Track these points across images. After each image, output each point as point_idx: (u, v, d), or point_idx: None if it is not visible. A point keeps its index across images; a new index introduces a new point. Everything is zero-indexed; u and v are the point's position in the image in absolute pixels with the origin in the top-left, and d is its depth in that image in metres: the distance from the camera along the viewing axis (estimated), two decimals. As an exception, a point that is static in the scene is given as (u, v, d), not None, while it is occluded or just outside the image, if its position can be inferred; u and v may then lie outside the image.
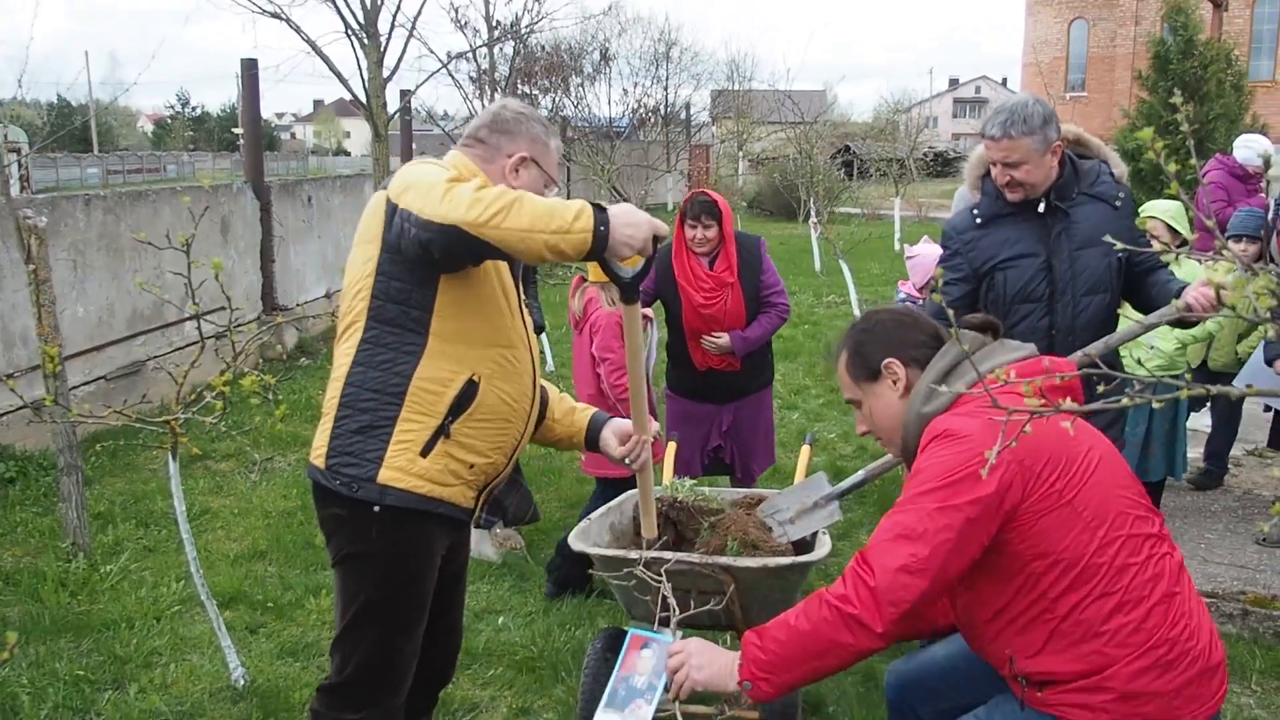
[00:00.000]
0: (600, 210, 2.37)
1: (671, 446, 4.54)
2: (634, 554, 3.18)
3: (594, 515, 3.66)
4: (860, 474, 3.48)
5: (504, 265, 2.69)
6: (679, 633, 2.73)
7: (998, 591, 2.35)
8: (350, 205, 12.44)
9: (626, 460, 2.98)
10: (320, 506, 2.69)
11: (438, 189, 2.36)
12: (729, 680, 2.46)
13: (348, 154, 77.22)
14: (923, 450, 2.37)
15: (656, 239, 2.47)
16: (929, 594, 2.27)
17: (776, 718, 3.25)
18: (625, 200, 10.36)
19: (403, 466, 2.57)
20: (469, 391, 2.60)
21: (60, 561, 5.19)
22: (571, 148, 16.31)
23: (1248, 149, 7.52)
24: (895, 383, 2.58)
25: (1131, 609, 2.26)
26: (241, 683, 4.01)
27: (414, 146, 16.68)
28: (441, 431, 2.58)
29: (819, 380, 9.18)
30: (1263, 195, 7.73)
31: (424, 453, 2.57)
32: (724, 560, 3.10)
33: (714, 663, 2.49)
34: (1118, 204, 3.78)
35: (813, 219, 16.97)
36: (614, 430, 3.01)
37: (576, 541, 3.38)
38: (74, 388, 7.01)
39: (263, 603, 4.80)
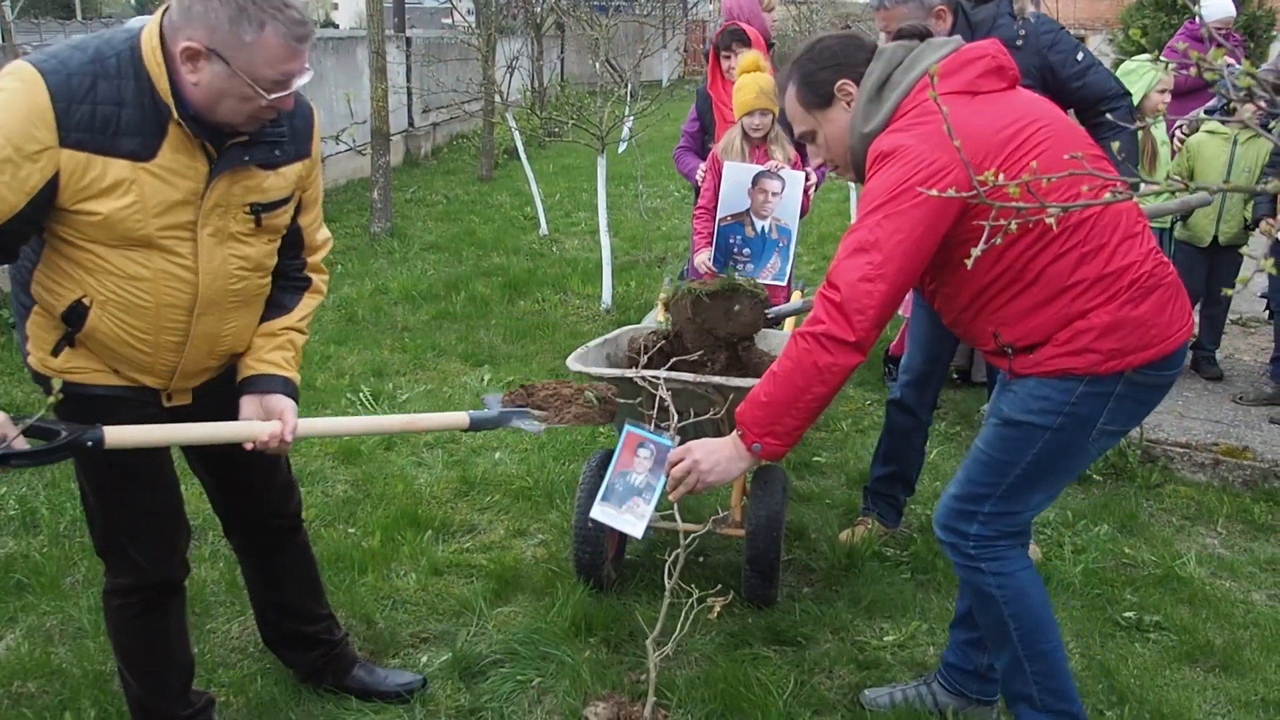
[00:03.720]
0: None
1: (664, 293, 4.64)
2: (630, 372, 3.29)
3: (591, 344, 3.76)
4: (800, 301, 3.55)
5: (178, 189, 2.27)
6: (676, 438, 2.82)
7: (967, 279, 2.49)
8: (342, 68, 12.28)
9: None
10: None
11: None
12: (738, 464, 2.58)
13: (335, 26, 75.14)
14: (869, 175, 2.49)
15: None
16: (890, 296, 2.42)
17: (762, 532, 3.40)
18: (622, 78, 10.24)
19: (40, 359, 2.37)
20: (78, 311, 2.30)
21: (65, 397, 5.29)
22: (567, 20, 15.99)
23: (1207, 8, 7.39)
24: (849, 104, 2.60)
25: (1093, 257, 2.40)
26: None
27: (405, 16, 16.39)
28: (66, 340, 2.35)
29: (811, 248, 9.24)
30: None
31: (54, 353, 2.35)
32: (717, 380, 3.20)
33: (718, 456, 2.59)
34: (1019, 43, 3.75)
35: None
36: (259, 405, 2.50)
37: (574, 364, 3.48)
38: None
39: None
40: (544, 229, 9.83)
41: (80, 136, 2.12)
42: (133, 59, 2.18)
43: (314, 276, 2.68)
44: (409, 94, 13.73)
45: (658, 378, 3.10)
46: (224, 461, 2.73)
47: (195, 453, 2.75)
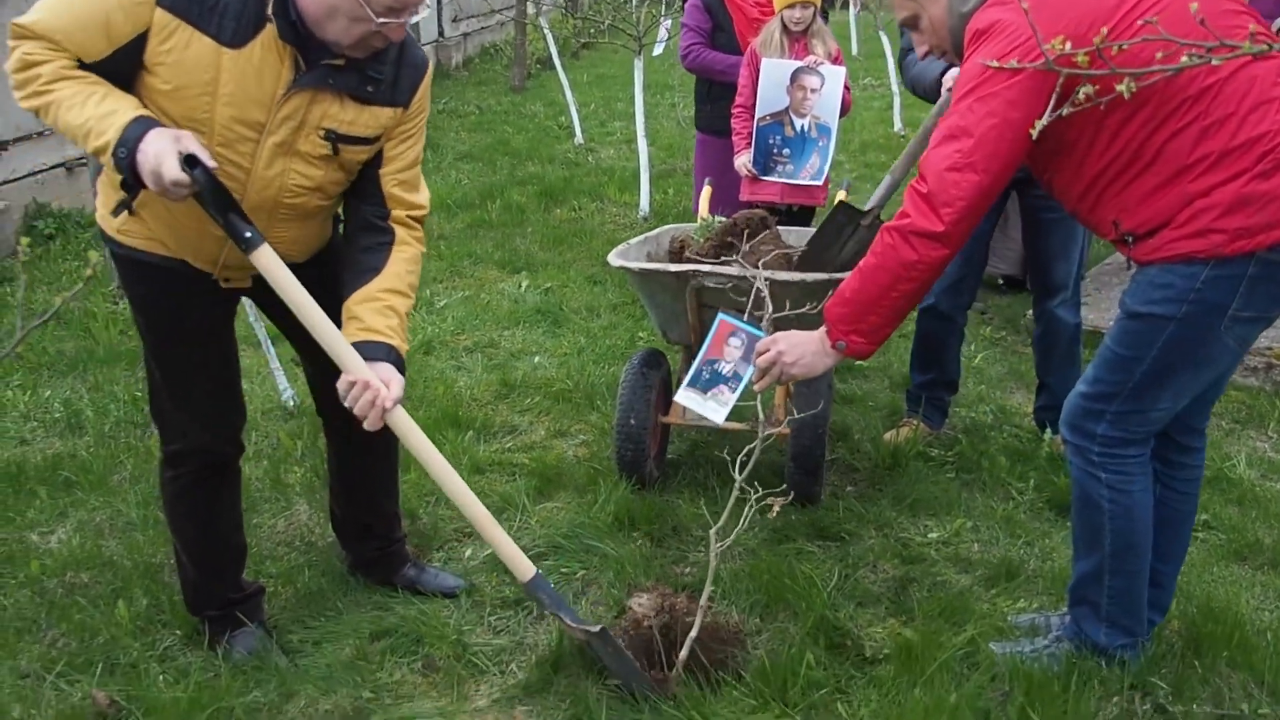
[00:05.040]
0: (124, 143, 2.08)
1: (707, 190, 4.56)
2: (673, 267, 3.24)
3: (632, 242, 3.71)
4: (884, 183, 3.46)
5: (255, 87, 2.24)
6: (769, 329, 2.72)
7: (1082, 163, 2.35)
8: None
9: (346, 404, 2.35)
10: None
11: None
12: (823, 360, 2.53)
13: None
14: (965, 56, 2.35)
15: (193, 163, 2.13)
16: (985, 187, 2.29)
17: (807, 429, 3.36)
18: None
19: (102, 215, 2.45)
20: (130, 185, 2.26)
21: (108, 304, 5.33)
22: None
23: None
24: None
25: (1218, 129, 2.19)
26: (292, 403, 4.19)
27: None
28: (125, 205, 2.31)
29: (852, 155, 9.09)
30: None
31: (114, 213, 2.35)
32: (767, 274, 3.14)
33: (803, 350, 2.54)
34: None
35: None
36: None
37: (615, 259, 3.43)
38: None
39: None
40: (579, 138, 9.70)
41: (177, 1, 2.14)
42: None
43: (399, 229, 2.51)
44: (439, 1, 13.52)
45: (757, 271, 2.99)
46: (305, 343, 2.65)
47: (301, 339, 2.69)
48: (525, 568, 2.54)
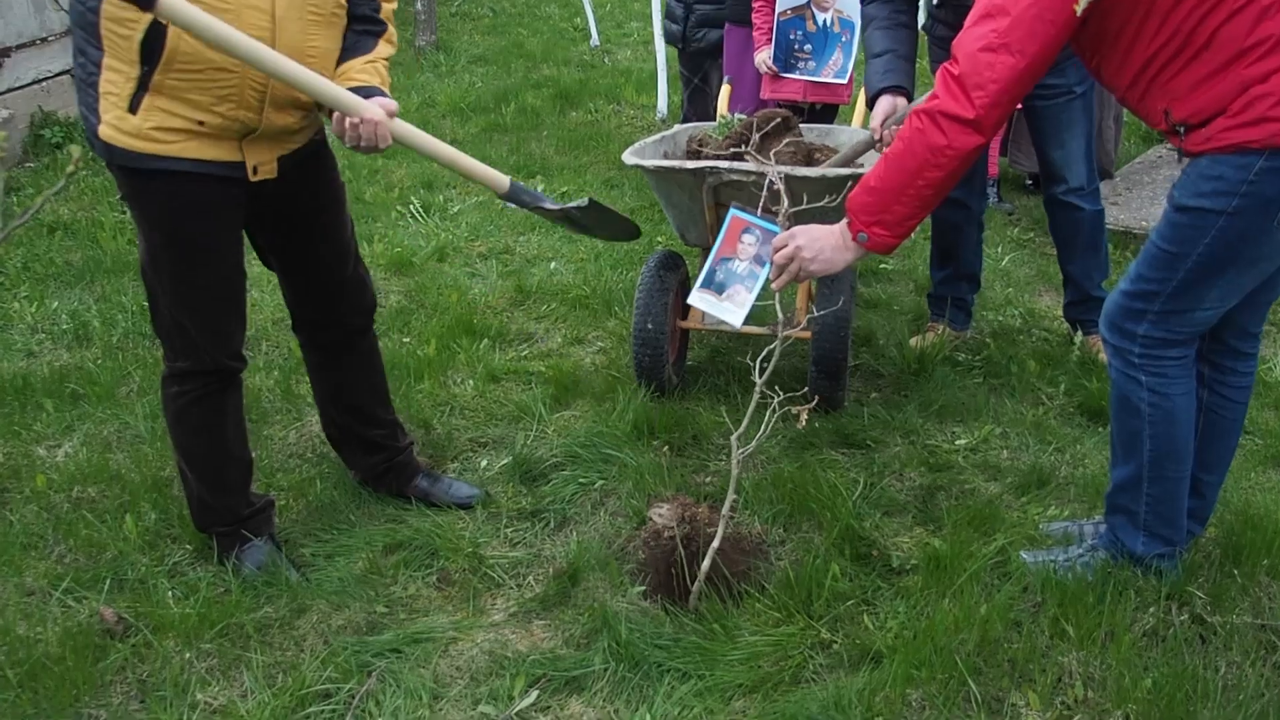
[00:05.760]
0: None
1: (726, 89, 4.39)
2: (690, 164, 3.10)
3: (648, 140, 3.56)
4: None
5: None
6: (787, 224, 2.58)
7: (1130, 49, 2.21)
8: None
9: (349, 144, 2.39)
10: None
11: None
12: (843, 255, 2.41)
13: None
14: None
15: None
16: (1020, 71, 2.15)
17: (829, 332, 3.24)
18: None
19: (115, 123, 2.27)
20: (156, 34, 2.17)
21: (115, 213, 5.23)
22: None
23: None
24: None
25: (1276, 10, 2.05)
26: (301, 312, 4.10)
27: None
28: (144, 85, 2.23)
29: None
30: None
31: (132, 109, 2.25)
32: (783, 169, 3.00)
33: (823, 244, 2.42)
34: None
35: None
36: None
37: (630, 157, 3.29)
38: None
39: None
40: (595, 40, 9.45)
41: None
42: None
43: (389, 25, 2.58)
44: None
45: (775, 166, 2.83)
46: (298, 253, 2.67)
47: (269, 244, 2.67)
48: (500, 180, 2.58)
